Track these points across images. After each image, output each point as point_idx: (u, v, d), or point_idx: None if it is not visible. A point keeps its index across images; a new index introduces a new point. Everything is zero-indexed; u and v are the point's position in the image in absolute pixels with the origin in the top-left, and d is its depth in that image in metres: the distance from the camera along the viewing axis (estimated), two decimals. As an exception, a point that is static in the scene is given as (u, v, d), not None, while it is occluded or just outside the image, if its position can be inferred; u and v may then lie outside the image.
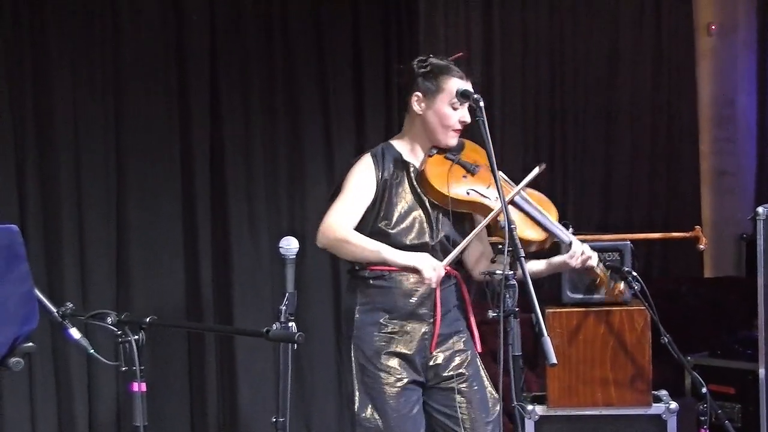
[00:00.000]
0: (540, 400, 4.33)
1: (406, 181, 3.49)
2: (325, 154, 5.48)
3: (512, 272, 3.03)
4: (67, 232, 4.70)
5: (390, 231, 3.42)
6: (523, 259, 2.98)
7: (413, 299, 3.42)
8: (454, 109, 3.46)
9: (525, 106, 6.48)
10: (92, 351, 2.84)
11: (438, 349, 3.49)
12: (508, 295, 3.02)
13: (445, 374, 3.50)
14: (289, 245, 3.13)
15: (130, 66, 4.91)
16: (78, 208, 4.75)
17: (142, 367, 2.83)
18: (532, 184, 3.60)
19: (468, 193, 3.46)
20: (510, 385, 3.05)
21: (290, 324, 3.04)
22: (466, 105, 3.47)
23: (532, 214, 3.52)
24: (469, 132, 3.54)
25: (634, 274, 4.25)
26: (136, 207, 4.92)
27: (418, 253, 3.36)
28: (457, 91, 3.33)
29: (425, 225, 3.46)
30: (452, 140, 3.51)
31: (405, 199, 3.47)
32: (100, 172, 4.82)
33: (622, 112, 6.82)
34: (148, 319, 2.86)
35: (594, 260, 3.55)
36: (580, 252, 3.50)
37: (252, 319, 5.09)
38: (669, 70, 6.97)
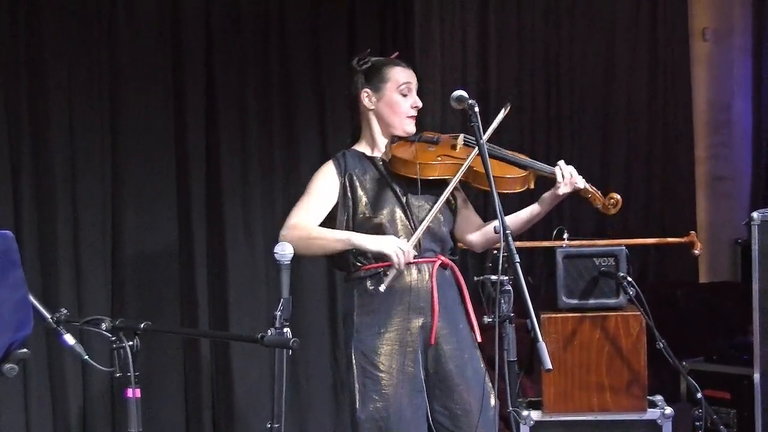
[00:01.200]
0: (536, 406, 4.34)
1: (375, 171, 3.57)
2: (321, 159, 5.44)
3: (507, 277, 3.03)
4: (61, 237, 4.69)
5: (373, 219, 3.48)
6: (518, 264, 2.98)
7: (410, 294, 3.44)
8: (404, 95, 3.57)
9: (521, 111, 6.49)
10: (86, 357, 2.85)
11: (440, 344, 3.49)
12: (503, 301, 3.02)
13: (446, 369, 3.50)
14: (284, 251, 3.12)
15: (126, 70, 4.90)
16: (73, 214, 4.74)
17: (137, 373, 2.83)
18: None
19: (437, 158, 3.52)
20: (505, 390, 3.05)
21: (285, 330, 3.03)
22: (414, 91, 3.59)
23: (507, 157, 3.58)
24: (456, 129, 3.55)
25: (630, 279, 4.26)
26: (131, 212, 4.92)
27: (385, 236, 3.40)
28: (451, 96, 3.33)
29: (402, 214, 3.51)
30: (409, 126, 3.60)
31: (375, 188, 3.53)
32: (95, 177, 4.81)
33: (618, 117, 6.84)
34: (142, 325, 2.86)
35: (581, 181, 3.55)
36: (567, 176, 3.51)
37: (247, 325, 5.09)
38: (665, 75, 6.99)
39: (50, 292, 4.62)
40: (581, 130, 6.72)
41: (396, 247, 3.33)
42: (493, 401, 3.51)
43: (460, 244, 3.76)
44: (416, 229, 3.46)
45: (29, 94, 4.64)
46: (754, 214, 4.56)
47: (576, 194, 3.62)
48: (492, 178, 3.10)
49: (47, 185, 4.68)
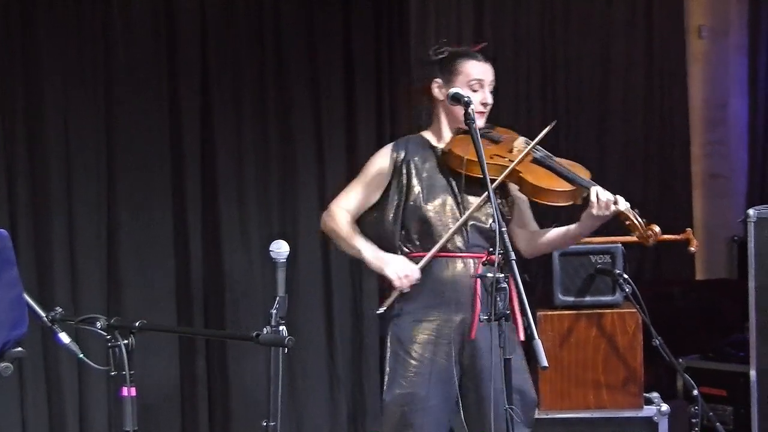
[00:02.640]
0: (532, 403, 4.34)
1: (435, 161, 3.54)
2: (316, 158, 5.47)
3: (503, 275, 3.02)
4: (57, 236, 4.69)
5: (422, 209, 3.48)
6: (513, 262, 2.97)
7: (453, 288, 3.42)
8: (474, 91, 3.50)
9: (516, 109, 6.48)
10: (82, 356, 2.85)
11: (478, 339, 3.43)
12: (499, 298, 3.02)
13: (480, 364, 3.44)
14: (280, 249, 3.13)
15: (121, 69, 4.90)
16: (68, 213, 4.74)
17: (132, 372, 2.83)
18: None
19: (492, 158, 3.46)
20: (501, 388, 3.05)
21: (281, 328, 3.04)
22: (487, 87, 3.54)
23: (556, 167, 3.51)
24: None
25: (626, 276, 4.27)
26: (126, 211, 4.92)
27: (393, 257, 3.42)
28: (448, 94, 3.32)
29: (452, 203, 3.48)
30: (477, 121, 3.47)
31: (431, 178, 3.51)
32: (90, 176, 4.82)
33: (614, 115, 6.83)
34: (137, 324, 2.86)
35: (622, 204, 3.38)
36: (602, 197, 3.36)
37: (243, 323, 5.09)
38: (661, 73, 6.98)
39: (45, 290, 4.62)
40: (577, 127, 6.71)
41: (399, 270, 3.35)
42: (534, 399, 3.55)
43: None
44: (466, 225, 3.45)
45: (25, 94, 4.65)
46: (750, 212, 4.57)
47: (616, 218, 3.47)
48: (485, 166, 3.09)
49: (43, 184, 4.68)
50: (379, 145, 5.05)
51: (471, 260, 3.48)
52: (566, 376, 4.30)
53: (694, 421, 4.19)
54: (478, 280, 3.41)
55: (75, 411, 4.73)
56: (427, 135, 3.64)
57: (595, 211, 3.39)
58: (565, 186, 3.47)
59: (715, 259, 7.11)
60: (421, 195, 3.50)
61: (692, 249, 4.67)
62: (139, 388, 2.90)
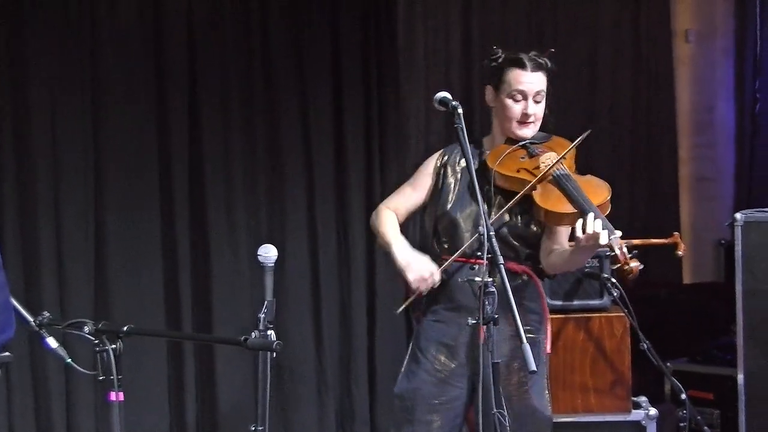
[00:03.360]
0: (520, 407, 4.34)
1: (480, 169, 3.47)
2: (304, 162, 5.47)
3: (491, 279, 3.03)
4: (44, 240, 4.68)
5: (452, 211, 3.50)
6: (502, 266, 2.97)
7: (466, 291, 3.39)
8: (516, 101, 3.50)
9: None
10: (69, 360, 2.84)
11: (488, 342, 3.36)
12: (487, 302, 3.02)
13: (492, 375, 3.43)
14: (268, 253, 3.12)
15: (109, 73, 4.89)
16: (55, 216, 4.73)
17: (120, 376, 2.83)
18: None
19: (517, 171, 3.45)
20: (490, 392, 3.05)
21: (269, 332, 3.03)
22: (532, 97, 3.52)
23: (567, 188, 3.40)
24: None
25: (613, 280, 4.28)
26: (114, 215, 4.91)
27: (418, 258, 3.40)
28: (435, 98, 3.32)
29: (481, 213, 3.36)
30: (522, 132, 3.52)
31: (467, 184, 3.47)
32: (78, 180, 4.81)
33: (601, 119, 6.84)
34: (125, 328, 2.86)
35: (603, 238, 3.25)
36: (587, 230, 3.25)
37: (231, 328, 5.08)
38: (648, 76, 7.00)
39: (33, 294, 4.61)
40: (564, 131, 6.72)
41: (418, 272, 3.35)
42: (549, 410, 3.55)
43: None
44: (488, 235, 3.37)
45: (11, 97, 4.64)
46: (738, 215, 4.59)
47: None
48: (474, 175, 3.11)
49: (30, 189, 4.67)
50: (368, 150, 5.04)
51: (483, 266, 3.44)
52: (554, 380, 4.28)
53: (682, 425, 4.21)
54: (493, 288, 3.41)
55: (62, 416, 4.71)
56: (486, 140, 3.66)
57: (581, 242, 3.26)
58: (569, 209, 3.36)
59: (703, 262, 7.13)
60: (453, 200, 3.53)
61: (680, 253, 4.68)
62: (127, 393, 2.90)
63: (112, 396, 2.83)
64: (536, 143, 3.58)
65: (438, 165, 3.60)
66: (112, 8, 4.91)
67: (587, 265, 4.29)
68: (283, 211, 5.39)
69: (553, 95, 6.69)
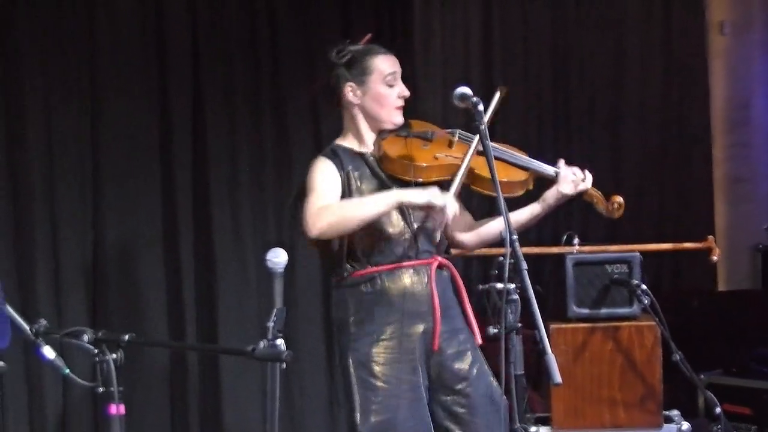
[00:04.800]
0: (544, 422, 4.33)
1: (368, 170, 3.54)
2: (314, 158, 5.46)
3: (514, 286, 3.03)
4: (40, 245, 4.69)
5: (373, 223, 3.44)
6: (525, 271, 2.98)
7: (408, 299, 3.42)
8: (390, 86, 3.54)
9: (527, 109, 6.49)
10: (67, 371, 2.85)
11: (442, 348, 3.48)
12: (509, 311, 3.02)
13: (451, 376, 3.50)
14: (277, 257, 3.11)
15: (108, 69, 4.91)
16: (52, 220, 4.75)
17: (121, 388, 2.83)
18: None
19: (435, 157, 3.51)
20: (512, 406, 3.05)
21: (278, 342, 3.03)
22: (400, 78, 3.56)
23: (506, 157, 3.58)
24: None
25: (644, 287, 4.26)
26: (113, 217, 4.92)
27: (428, 189, 3.36)
28: (453, 94, 3.32)
29: (398, 213, 3.48)
30: (397, 118, 3.57)
31: (371, 188, 3.50)
32: (74, 181, 4.82)
33: (629, 116, 6.82)
34: (126, 337, 2.86)
35: (588, 182, 3.60)
36: (571, 176, 3.56)
37: (237, 337, 5.09)
38: (679, 71, 6.98)
39: (29, 302, 4.63)
40: (591, 128, 6.71)
41: (443, 198, 3.32)
42: (503, 400, 3.51)
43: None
44: (412, 230, 3.47)
45: (4, 94, 4.65)
46: (775, 219, 4.57)
47: (578, 197, 3.64)
48: (498, 182, 3.10)
49: (25, 191, 4.70)
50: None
51: (423, 267, 3.49)
52: (580, 393, 4.30)
53: (716, 441, 4.20)
54: (434, 288, 3.43)
55: (59, 429, 4.72)
56: (345, 142, 3.61)
57: (567, 190, 3.56)
58: (520, 175, 3.57)
59: (738, 268, 7.10)
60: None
61: (714, 258, 4.69)
62: (128, 406, 2.90)
63: (113, 409, 2.83)
64: (420, 130, 3.62)
65: (341, 172, 3.50)
66: (111, 2, 4.93)
67: (615, 271, 4.29)
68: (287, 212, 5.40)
69: (577, 91, 6.70)
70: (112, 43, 4.92)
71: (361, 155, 3.57)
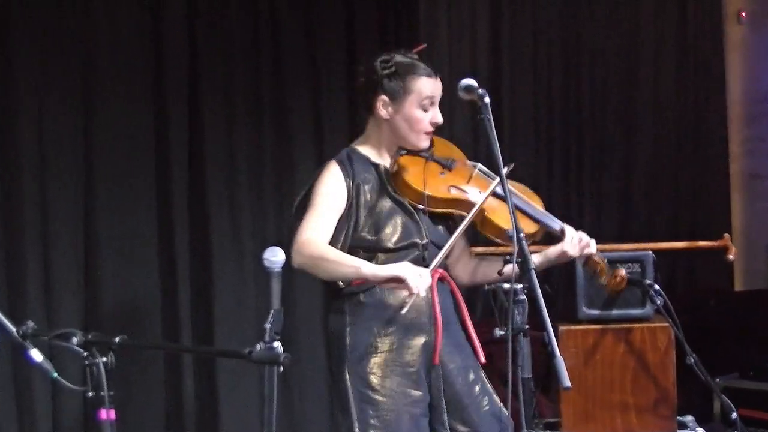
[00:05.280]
0: (553, 427, 4.34)
1: (380, 184, 3.51)
2: (315, 158, 5.47)
3: (521, 286, 3.02)
4: (29, 242, 4.68)
5: (371, 237, 3.45)
6: (533, 271, 2.97)
7: (409, 309, 3.34)
8: (425, 110, 3.51)
9: (537, 104, 6.49)
10: (56, 375, 2.84)
11: (443, 362, 3.47)
12: (517, 312, 3.01)
13: (453, 388, 3.49)
14: (275, 256, 3.10)
15: (101, 63, 4.90)
16: (42, 218, 4.73)
17: (112, 393, 2.82)
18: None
19: (450, 190, 3.49)
20: (520, 410, 3.04)
21: (276, 344, 3.02)
22: (437, 104, 3.53)
23: (519, 205, 3.53)
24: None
25: (657, 287, 4.25)
26: (106, 215, 4.91)
27: (398, 263, 3.33)
28: (459, 86, 3.31)
29: (410, 225, 3.48)
30: (423, 143, 3.55)
31: (382, 202, 3.49)
32: (65, 177, 4.81)
33: (643, 110, 6.83)
34: (118, 339, 2.85)
35: (593, 247, 3.59)
36: (577, 239, 3.54)
37: (234, 339, 5.09)
38: (695, 62, 6.99)
39: (16, 302, 4.61)
40: (603, 124, 6.71)
41: (416, 272, 3.24)
42: (505, 417, 3.50)
43: None
44: (426, 251, 3.46)
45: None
46: (795, 216, 4.56)
47: (582, 260, 3.73)
48: (513, 208, 3.11)
49: (14, 187, 4.68)
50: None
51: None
52: (591, 398, 4.29)
53: (733, 447, 4.19)
54: (436, 299, 3.41)
55: (48, 436, 4.73)
56: (363, 149, 3.60)
57: (571, 250, 3.55)
58: (530, 227, 3.54)
59: (756, 267, 7.11)
60: (369, 222, 3.47)
61: (730, 257, 4.67)
62: (119, 412, 2.89)
63: (103, 414, 2.82)
64: (440, 156, 3.60)
65: (349, 182, 3.47)
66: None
67: (628, 270, 4.28)
68: (292, 212, 5.38)
69: (589, 85, 6.69)
70: (106, 34, 4.91)
71: (376, 167, 3.55)
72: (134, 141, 5.01)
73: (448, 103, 5.76)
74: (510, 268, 3.08)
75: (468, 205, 3.46)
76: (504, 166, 3.21)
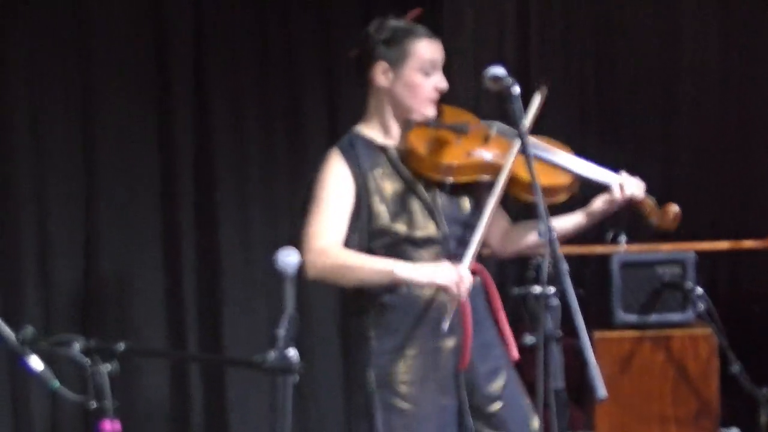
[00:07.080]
0: (587, 441, 4.35)
1: (390, 167, 3.50)
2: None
3: (553, 289, 3.02)
4: (26, 243, 4.72)
5: (390, 227, 3.43)
6: (566, 274, 2.97)
7: (436, 310, 3.38)
8: (427, 75, 3.49)
9: (568, 94, 6.47)
10: (57, 385, 2.85)
11: (473, 365, 3.45)
12: (548, 317, 3.02)
13: (481, 397, 3.48)
14: (289, 257, 3.12)
15: (102, 56, 4.95)
16: (40, 219, 4.77)
17: (115, 403, 2.84)
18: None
19: (471, 155, 3.48)
20: (551, 423, 3.05)
21: (290, 352, 3.04)
22: (440, 68, 3.52)
23: (550, 158, 3.53)
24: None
25: (699, 291, 4.25)
26: (108, 214, 4.94)
27: (435, 265, 3.33)
28: (485, 75, 3.31)
29: (426, 214, 3.45)
30: (428, 110, 3.51)
31: (394, 188, 3.47)
32: (65, 176, 4.86)
33: (684, 98, 6.81)
34: (121, 346, 2.87)
35: (641, 190, 3.56)
36: (620, 185, 3.51)
37: (244, 347, 5.10)
38: (741, 46, 6.95)
39: (14, 307, 4.65)
40: (641, 115, 6.70)
41: (453, 275, 3.26)
42: (536, 424, 3.50)
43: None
44: (443, 232, 3.45)
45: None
46: None
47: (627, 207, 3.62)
48: (538, 184, 3.10)
49: (11, 187, 4.72)
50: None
51: None
52: (627, 409, 4.30)
53: (779, 461, 4.19)
54: (466, 299, 3.37)
55: (47, 449, 4.76)
56: (367, 130, 3.57)
57: (617, 198, 3.52)
58: (565, 179, 3.53)
59: (805, 270, 7.08)
60: (386, 214, 3.45)
61: (778, 258, 4.67)
62: (124, 422, 2.91)
63: (107, 425, 2.84)
64: (450, 122, 3.57)
65: (355, 178, 3.45)
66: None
67: (667, 272, 4.28)
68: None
69: (625, 75, 6.67)
70: (108, 33, 4.94)
71: (383, 149, 3.52)
72: (136, 135, 5.05)
73: (474, 89, 5.84)
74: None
75: (491, 167, 3.46)
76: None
